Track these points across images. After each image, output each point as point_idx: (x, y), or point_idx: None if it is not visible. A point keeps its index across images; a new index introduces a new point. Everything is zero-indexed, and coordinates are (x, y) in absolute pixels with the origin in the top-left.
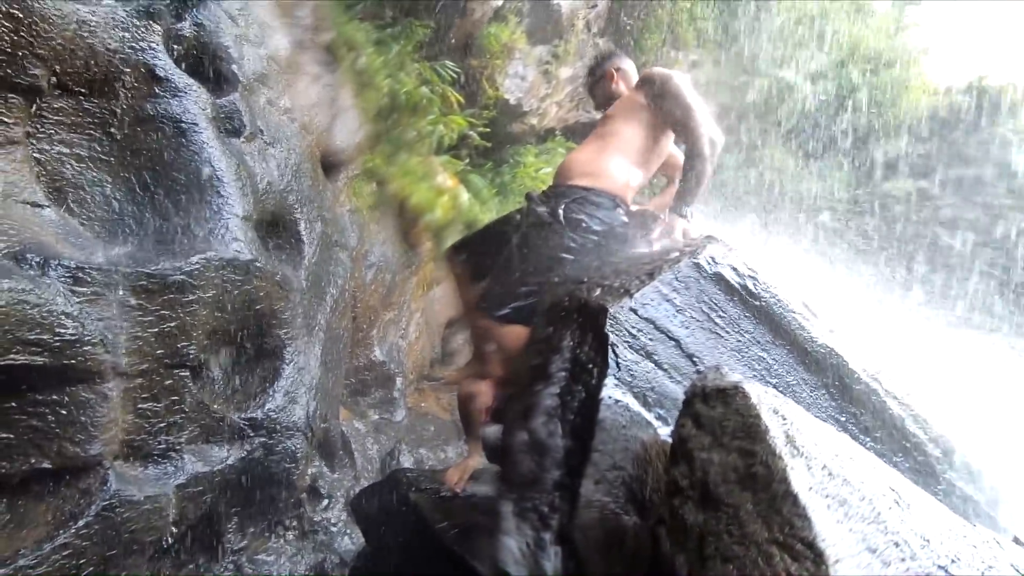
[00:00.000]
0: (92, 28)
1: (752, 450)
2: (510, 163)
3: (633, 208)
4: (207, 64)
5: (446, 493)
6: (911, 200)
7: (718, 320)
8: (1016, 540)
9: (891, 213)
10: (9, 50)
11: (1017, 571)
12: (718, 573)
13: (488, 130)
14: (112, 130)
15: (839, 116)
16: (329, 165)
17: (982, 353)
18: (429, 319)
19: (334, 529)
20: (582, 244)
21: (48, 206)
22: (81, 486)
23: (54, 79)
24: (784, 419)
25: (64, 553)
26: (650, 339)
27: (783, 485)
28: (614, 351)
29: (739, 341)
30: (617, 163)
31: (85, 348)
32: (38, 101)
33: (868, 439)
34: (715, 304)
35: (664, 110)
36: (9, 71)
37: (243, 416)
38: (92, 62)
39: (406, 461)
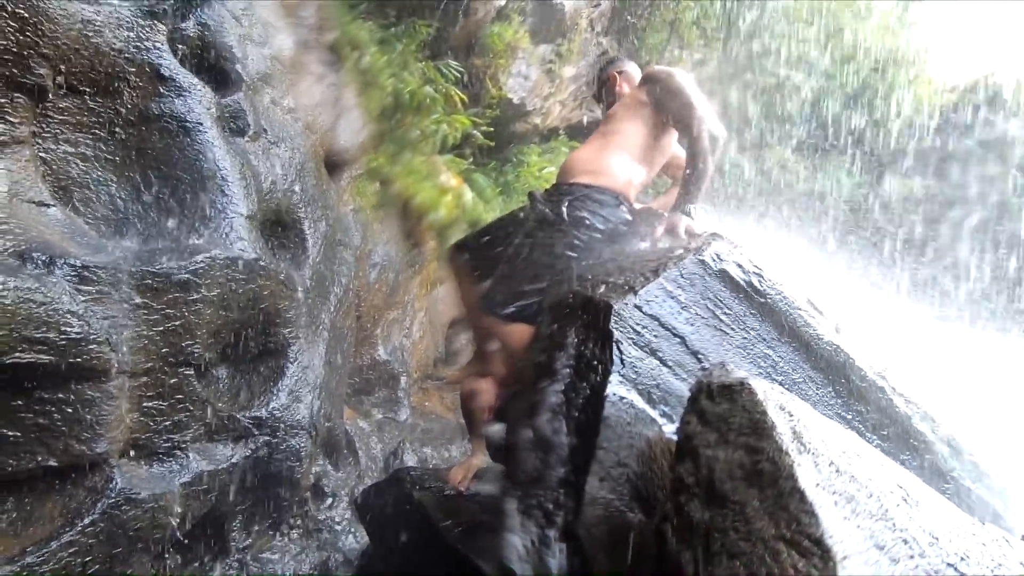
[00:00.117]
0: (97, 28)
1: (758, 446)
2: (513, 162)
3: (636, 206)
4: (211, 64)
5: (450, 492)
6: (917, 199)
7: (723, 317)
8: None
9: (896, 212)
10: (15, 50)
11: None
12: (724, 569)
13: (491, 129)
14: (117, 130)
15: (843, 114)
16: (333, 165)
17: (992, 354)
18: (433, 318)
19: (338, 528)
20: (586, 242)
21: (54, 205)
22: (87, 484)
23: (59, 79)
24: (791, 415)
25: (70, 551)
26: (655, 336)
27: (790, 482)
28: (619, 348)
29: (744, 338)
30: (620, 160)
31: (90, 346)
32: (43, 101)
33: (875, 437)
34: (720, 301)
35: (665, 107)
36: (15, 71)
37: (247, 415)
38: (97, 62)
39: (410, 460)
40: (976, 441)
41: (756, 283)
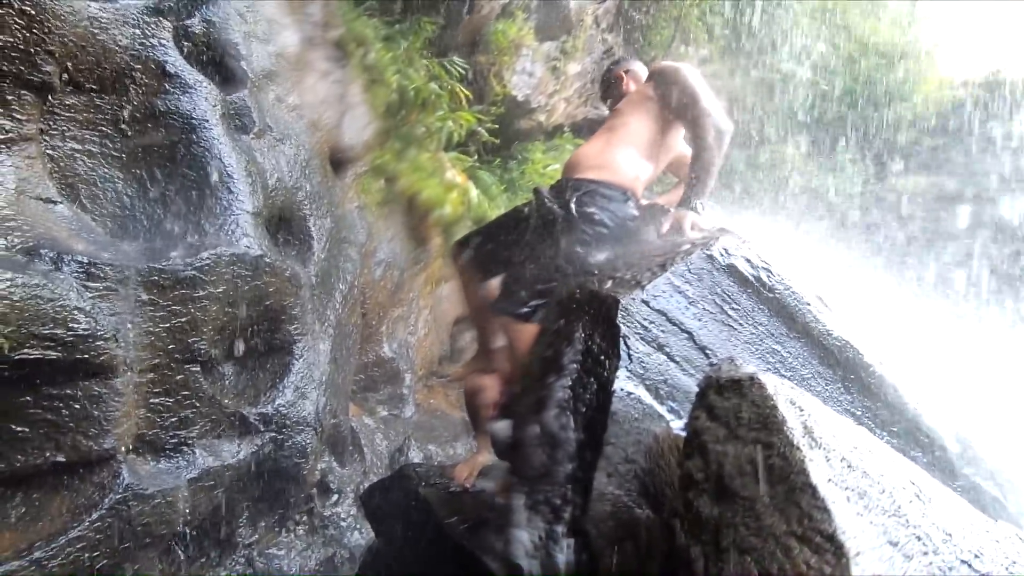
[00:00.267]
0: (103, 25)
1: (769, 441)
2: (518, 159)
3: (643, 202)
4: (216, 61)
5: (455, 488)
6: (926, 195)
7: (731, 312)
8: None
9: (905, 209)
10: (22, 47)
11: None
12: (735, 565)
13: (496, 127)
14: (123, 126)
15: (851, 110)
16: (338, 162)
17: (1003, 350)
18: (438, 316)
19: (344, 524)
20: (594, 237)
21: (61, 202)
22: (95, 480)
23: (66, 76)
24: (801, 410)
25: (78, 546)
26: (662, 331)
27: (802, 477)
28: (626, 343)
29: (753, 333)
30: (626, 156)
31: (98, 343)
32: (50, 98)
33: (884, 433)
34: (728, 296)
35: (672, 101)
36: (22, 68)
37: (253, 411)
38: (103, 58)
39: (415, 457)
40: (987, 438)
41: (764, 278)
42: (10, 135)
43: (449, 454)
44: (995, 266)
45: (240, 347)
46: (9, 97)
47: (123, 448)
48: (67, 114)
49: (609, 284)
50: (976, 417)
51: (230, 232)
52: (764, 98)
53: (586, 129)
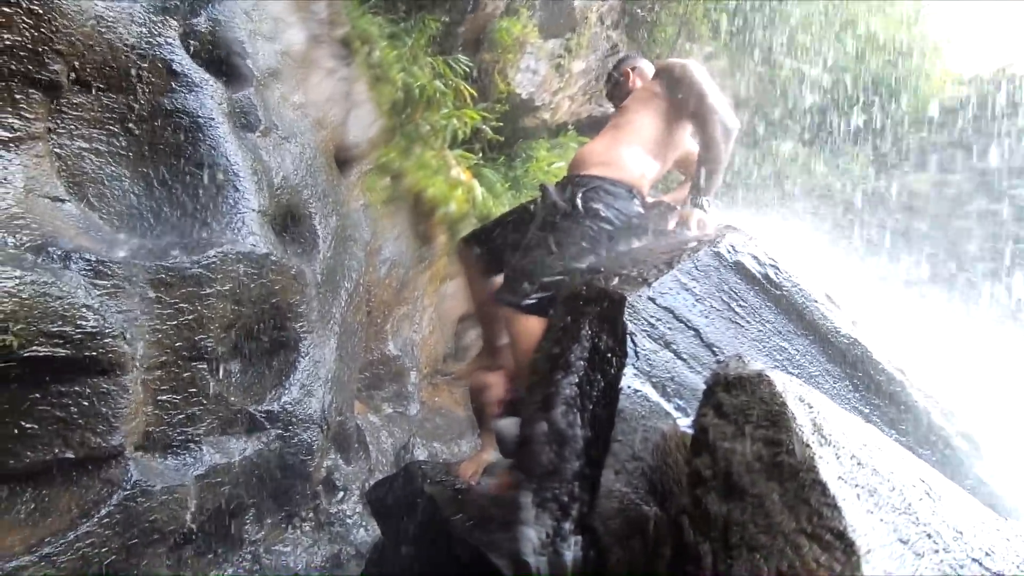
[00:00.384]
0: (110, 23)
1: (778, 439)
2: (522, 158)
3: (649, 200)
4: (221, 59)
5: (461, 486)
6: (935, 193)
7: (738, 309)
8: None
9: (913, 206)
10: (29, 45)
11: None
12: (744, 562)
13: (500, 124)
14: (130, 125)
15: (858, 107)
16: (343, 160)
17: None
18: (442, 314)
19: (349, 521)
20: (600, 233)
21: (69, 200)
22: (103, 476)
23: (73, 74)
24: (811, 407)
25: (87, 541)
26: (669, 328)
27: (811, 474)
28: (633, 340)
29: (760, 331)
30: (632, 153)
31: (106, 340)
32: (58, 96)
33: (893, 432)
34: (735, 293)
35: (679, 98)
36: (30, 67)
37: (260, 408)
38: (110, 57)
39: (420, 455)
40: (996, 437)
41: (772, 275)
42: (18, 134)
43: (454, 452)
44: (1002, 263)
45: (246, 345)
46: (17, 96)
47: (131, 445)
48: (74, 113)
49: (616, 281)
50: (983, 415)
51: (236, 230)
52: (769, 95)
53: (590, 127)
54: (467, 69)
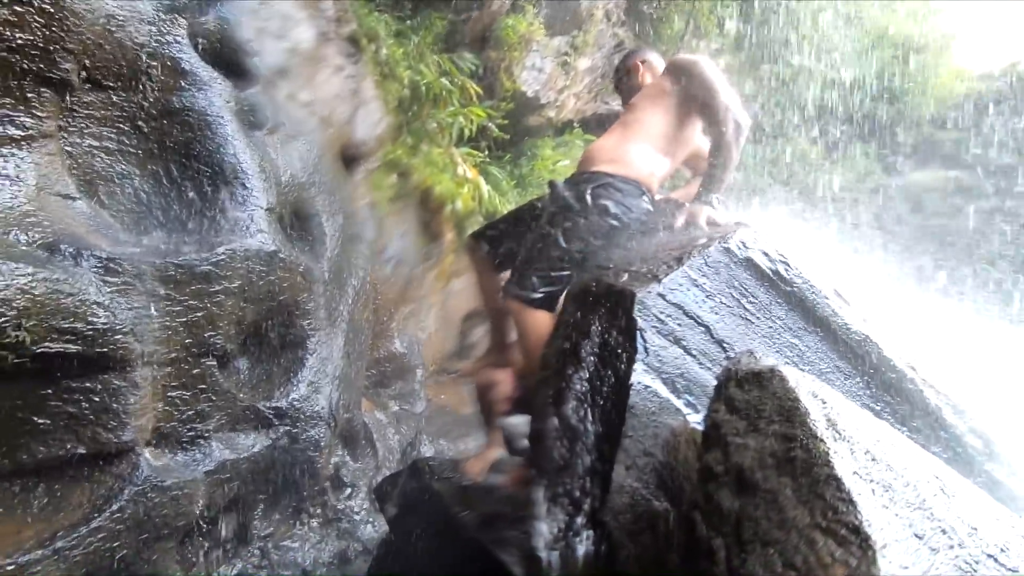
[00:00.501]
0: (120, 22)
1: (791, 434)
2: (528, 156)
3: (658, 197)
4: (229, 58)
5: (468, 482)
6: (944, 190)
7: (749, 306)
8: None
9: (923, 203)
10: (41, 44)
11: None
12: (758, 556)
13: (506, 122)
14: (140, 123)
15: (867, 103)
16: (350, 157)
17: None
18: (448, 311)
19: (357, 517)
20: (607, 230)
21: (80, 198)
22: (115, 471)
23: (84, 73)
24: (824, 403)
25: (99, 536)
26: (679, 324)
27: (826, 469)
28: (642, 337)
29: (770, 327)
30: (642, 150)
31: (116, 337)
32: (69, 95)
33: (904, 429)
34: (746, 289)
35: (690, 95)
36: (41, 65)
37: (268, 405)
38: (120, 56)
39: (426, 452)
40: (1008, 435)
41: (782, 271)
42: (30, 132)
43: (460, 449)
44: (1012, 261)
45: (254, 342)
46: (29, 95)
47: (142, 441)
48: (85, 111)
49: (625, 277)
50: (996, 412)
51: (245, 227)
52: (777, 91)
53: (596, 125)
54: (473, 67)
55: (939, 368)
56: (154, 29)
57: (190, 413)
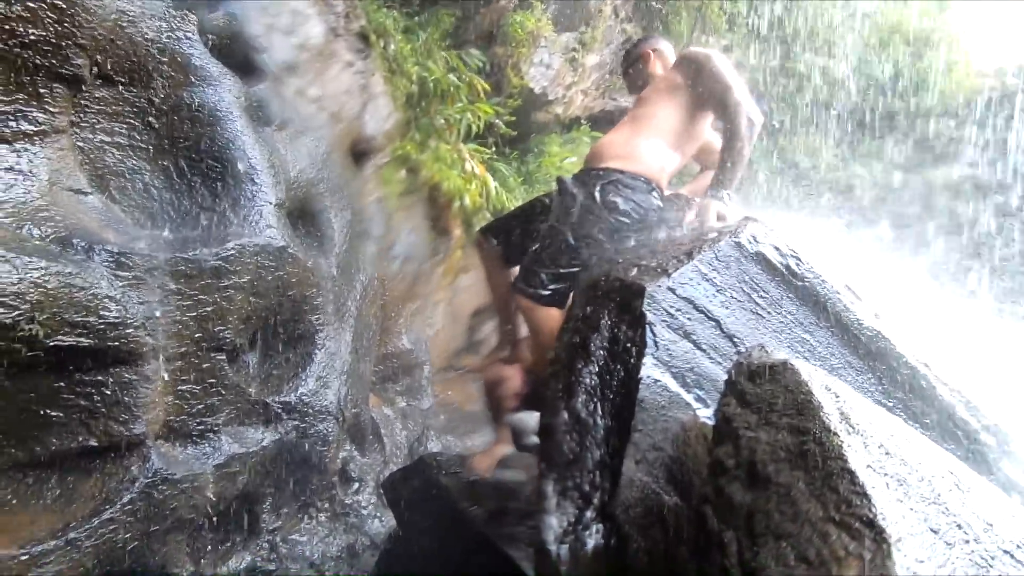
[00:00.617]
0: (131, 18)
1: (804, 427)
2: (535, 152)
3: (667, 193)
4: (238, 53)
5: (475, 477)
6: (959, 188)
7: (759, 300)
8: None
9: (937, 201)
10: (53, 40)
11: None
12: (770, 550)
13: (513, 119)
14: (151, 119)
15: (879, 100)
16: (359, 153)
17: None
18: (456, 308)
19: (365, 512)
20: (616, 226)
21: (91, 193)
22: (126, 464)
23: (95, 69)
24: (837, 396)
25: (111, 527)
26: (689, 319)
27: (839, 462)
28: (652, 331)
29: (781, 322)
30: (651, 146)
31: (128, 331)
32: (81, 91)
33: (917, 425)
34: (756, 284)
35: (702, 89)
36: (53, 61)
37: (277, 399)
38: (131, 52)
39: (433, 447)
40: (1021, 430)
41: (793, 266)
42: (43, 127)
43: (467, 445)
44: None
45: (264, 336)
46: (42, 90)
47: (152, 434)
48: (97, 107)
49: (635, 272)
50: (1011, 410)
51: (254, 223)
52: (787, 87)
53: (603, 121)
54: (480, 63)
55: (954, 366)
56: (164, 25)
57: (200, 407)
